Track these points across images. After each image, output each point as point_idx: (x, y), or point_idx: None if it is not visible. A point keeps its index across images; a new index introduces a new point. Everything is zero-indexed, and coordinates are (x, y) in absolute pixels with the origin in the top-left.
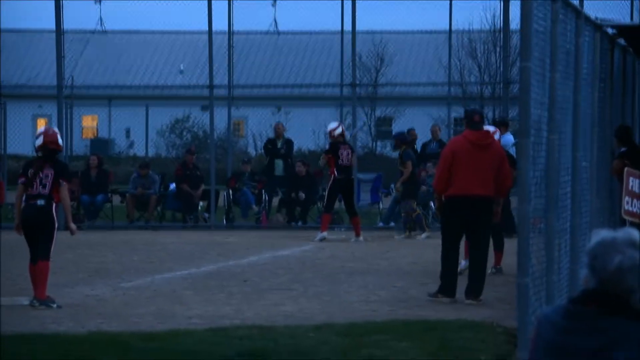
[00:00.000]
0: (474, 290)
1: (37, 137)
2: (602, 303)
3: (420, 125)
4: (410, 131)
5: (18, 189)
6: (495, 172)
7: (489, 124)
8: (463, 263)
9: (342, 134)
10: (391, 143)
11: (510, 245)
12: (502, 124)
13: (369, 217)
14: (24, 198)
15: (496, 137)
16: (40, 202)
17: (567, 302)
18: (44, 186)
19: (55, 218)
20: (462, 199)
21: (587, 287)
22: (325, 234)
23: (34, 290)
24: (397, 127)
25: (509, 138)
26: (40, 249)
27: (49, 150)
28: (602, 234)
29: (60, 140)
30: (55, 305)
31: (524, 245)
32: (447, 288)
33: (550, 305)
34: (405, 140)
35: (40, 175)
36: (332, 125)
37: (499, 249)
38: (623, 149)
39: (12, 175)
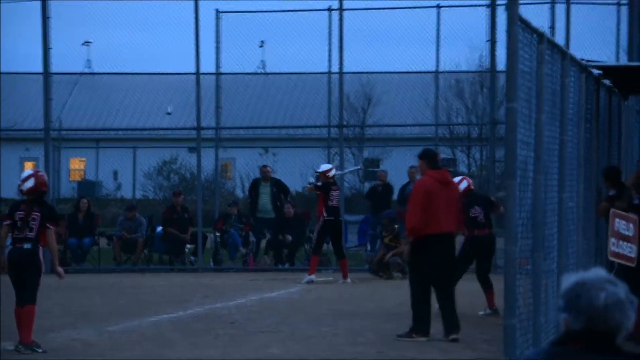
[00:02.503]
0: (457, 326)
1: (25, 180)
2: (587, 342)
3: (407, 166)
4: (380, 173)
5: (2, 229)
6: (457, 209)
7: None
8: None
9: (333, 176)
10: (380, 222)
11: (495, 286)
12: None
13: (356, 258)
14: (9, 241)
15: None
16: (27, 245)
17: (549, 344)
18: (31, 229)
19: (41, 261)
20: (438, 237)
21: (570, 329)
22: (313, 277)
23: (19, 334)
24: (385, 167)
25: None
26: (25, 293)
27: (39, 192)
28: (574, 276)
29: (47, 182)
30: (40, 350)
31: (511, 286)
32: (424, 327)
33: (536, 347)
34: (395, 219)
35: (28, 218)
36: (325, 167)
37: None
38: (612, 192)
39: None
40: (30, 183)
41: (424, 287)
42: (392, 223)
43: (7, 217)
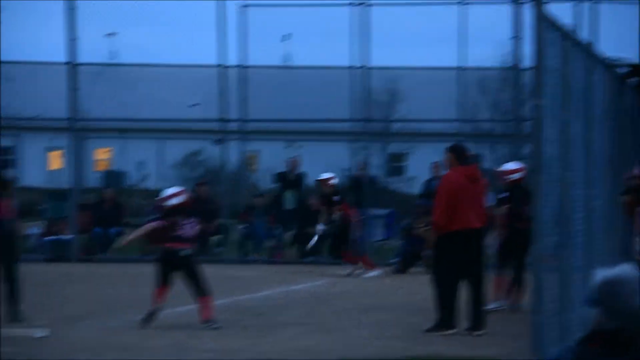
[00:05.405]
0: (483, 321)
1: (171, 197)
2: (617, 342)
3: (432, 162)
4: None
5: (153, 226)
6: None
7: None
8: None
9: (334, 184)
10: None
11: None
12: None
13: (381, 253)
14: (165, 239)
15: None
16: (186, 251)
17: (576, 343)
18: (191, 228)
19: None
20: (465, 233)
21: (601, 327)
22: (377, 271)
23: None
24: (411, 163)
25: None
26: (196, 291)
27: (184, 209)
28: (609, 272)
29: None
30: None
31: (538, 282)
32: (449, 320)
33: (563, 342)
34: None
35: (184, 222)
36: (326, 175)
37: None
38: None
39: (24, 207)
40: (177, 200)
41: (449, 282)
42: (427, 214)
43: (161, 219)
